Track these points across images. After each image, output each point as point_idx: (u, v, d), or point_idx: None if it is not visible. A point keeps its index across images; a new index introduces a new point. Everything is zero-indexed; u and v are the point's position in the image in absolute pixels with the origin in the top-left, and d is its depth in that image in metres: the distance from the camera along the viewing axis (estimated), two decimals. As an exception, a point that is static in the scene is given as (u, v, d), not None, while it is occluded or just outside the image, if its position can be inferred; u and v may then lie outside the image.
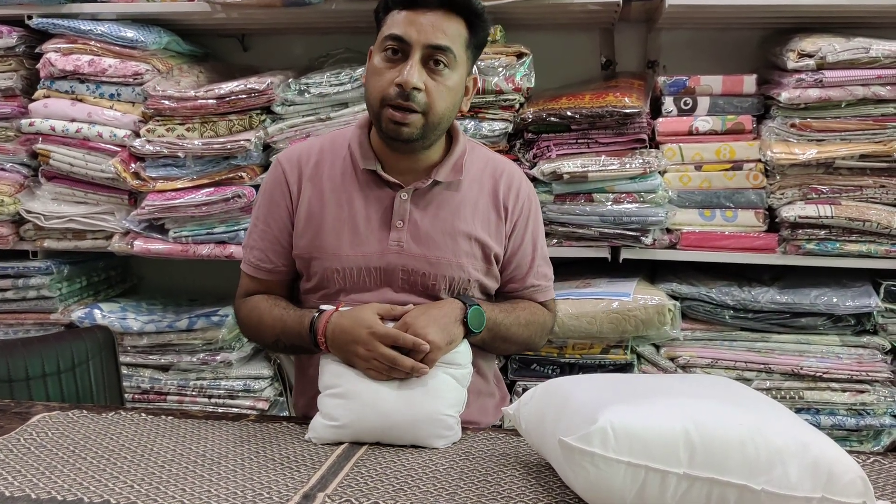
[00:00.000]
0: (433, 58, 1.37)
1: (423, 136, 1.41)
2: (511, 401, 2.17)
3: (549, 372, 2.21)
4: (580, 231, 2.18)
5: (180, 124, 2.24)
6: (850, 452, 1.09)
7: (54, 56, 2.28)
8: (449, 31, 1.37)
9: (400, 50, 1.37)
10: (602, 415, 1.03)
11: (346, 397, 1.34)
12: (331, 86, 2.21)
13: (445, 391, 1.35)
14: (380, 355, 1.31)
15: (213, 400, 2.35)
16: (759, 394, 1.24)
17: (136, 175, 2.28)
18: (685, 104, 2.21)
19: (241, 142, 2.20)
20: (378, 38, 1.42)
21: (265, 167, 2.30)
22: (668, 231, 2.20)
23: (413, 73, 1.35)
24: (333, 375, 1.36)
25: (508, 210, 1.53)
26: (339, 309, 1.40)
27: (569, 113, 2.14)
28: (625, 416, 1.03)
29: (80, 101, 2.30)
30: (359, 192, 1.48)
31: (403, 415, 1.31)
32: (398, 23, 1.37)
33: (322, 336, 1.37)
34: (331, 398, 1.35)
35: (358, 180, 1.49)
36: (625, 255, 2.20)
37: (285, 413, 2.39)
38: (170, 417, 1.46)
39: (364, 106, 2.17)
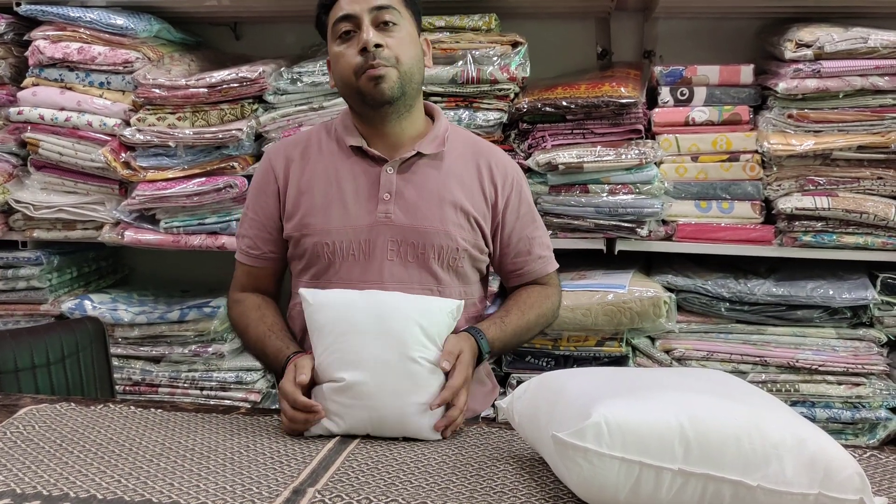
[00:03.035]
0: (382, 19, 1.46)
1: (403, 91, 1.47)
2: (504, 393, 2.17)
3: (544, 364, 2.20)
4: (575, 222, 2.17)
5: (171, 113, 2.22)
6: (846, 446, 1.08)
7: (43, 43, 2.25)
8: None
9: (352, 27, 1.46)
10: (596, 409, 1.02)
11: (335, 389, 1.32)
12: (323, 74, 2.19)
13: (433, 383, 1.33)
14: (285, 411, 1.34)
15: (204, 392, 2.33)
16: (754, 388, 1.23)
17: (127, 164, 2.25)
18: (682, 94, 2.19)
19: (233, 131, 2.18)
20: (329, 35, 1.51)
21: (257, 157, 2.29)
22: (664, 223, 2.19)
23: (371, 34, 1.44)
24: (320, 371, 1.35)
25: (497, 186, 1.56)
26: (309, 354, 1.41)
27: (564, 103, 2.12)
28: (619, 410, 1.02)
29: (70, 89, 2.27)
30: (346, 169, 1.52)
31: (392, 408, 1.31)
32: (340, 7, 1.47)
33: None
34: (321, 389, 1.34)
35: (344, 158, 1.53)
36: (620, 246, 2.19)
37: (277, 405, 2.37)
38: (159, 410, 1.45)
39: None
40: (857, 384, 2.11)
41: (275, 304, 1.60)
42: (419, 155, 1.52)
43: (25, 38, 2.30)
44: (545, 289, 1.63)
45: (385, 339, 1.32)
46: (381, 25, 1.45)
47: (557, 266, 1.67)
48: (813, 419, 2.04)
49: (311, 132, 1.63)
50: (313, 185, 1.52)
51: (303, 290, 1.40)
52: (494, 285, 2.01)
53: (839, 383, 2.11)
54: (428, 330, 1.34)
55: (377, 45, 1.43)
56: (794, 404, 2.10)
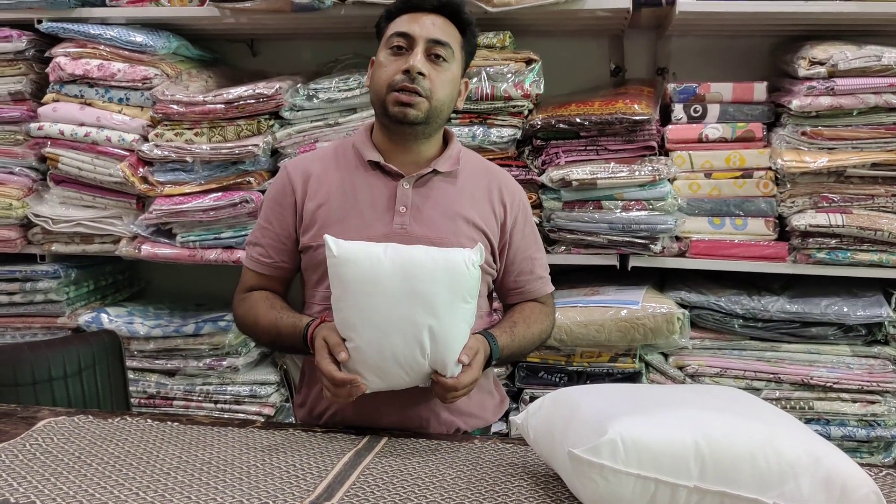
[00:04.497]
0: (434, 52, 1.50)
1: (426, 121, 1.51)
2: (517, 408, 2.17)
3: (557, 380, 2.20)
4: (589, 238, 2.17)
5: (188, 129, 2.24)
6: (862, 465, 1.08)
7: (64, 60, 2.28)
8: (447, 30, 1.53)
9: (405, 45, 1.50)
10: (612, 426, 1.02)
11: (361, 352, 1.35)
12: (339, 91, 2.21)
13: (459, 344, 1.37)
14: (327, 387, 1.38)
15: (219, 405, 2.34)
16: (769, 405, 1.23)
17: (145, 179, 2.28)
18: (695, 111, 2.20)
19: (250, 147, 2.20)
20: (382, 41, 1.55)
21: (273, 172, 2.30)
22: (678, 239, 2.19)
23: (418, 60, 1.48)
24: (347, 328, 1.36)
25: (507, 206, 1.60)
26: (324, 321, 1.45)
27: (578, 119, 2.13)
28: (635, 427, 1.02)
29: (89, 105, 2.30)
30: (363, 183, 1.55)
31: (423, 364, 1.36)
32: (403, 22, 1.51)
33: (312, 347, 1.45)
34: (351, 353, 1.36)
35: (362, 172, 1.56)
36: (633, 262, 2.19)
37: (291, 419, 2.38)
38: (175, 424, 1.46)
39: (371, 112, 2.19)
40: (872, 402, 2.09)
41: (281, 298, 1.62)
42: (434, 172, 1.55)
43: (46, 54, 2.33)
44: (544, 307, 1.67)
45: (413, 300, 1.33)
46: (432, 57, 1.49)
47: (553, 288, 1.70)
48: (828, 437, 2.02)
49: (328, 148, 1.67)
50: (331, 197, 1.55)
51: (327, 237, 1.38)
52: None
53: (854, 401, 2.10)
54: (456, 288, 1.36)
55: (420, 73, 1.47)
56: (808, 422, 2.09)
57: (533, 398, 2.13)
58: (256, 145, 2.20)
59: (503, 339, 1.51)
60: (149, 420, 1.47)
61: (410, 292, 1.33)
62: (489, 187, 1.60)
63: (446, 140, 1.63)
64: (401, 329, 1.34)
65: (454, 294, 1.35)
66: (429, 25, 1.50)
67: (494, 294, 1.71)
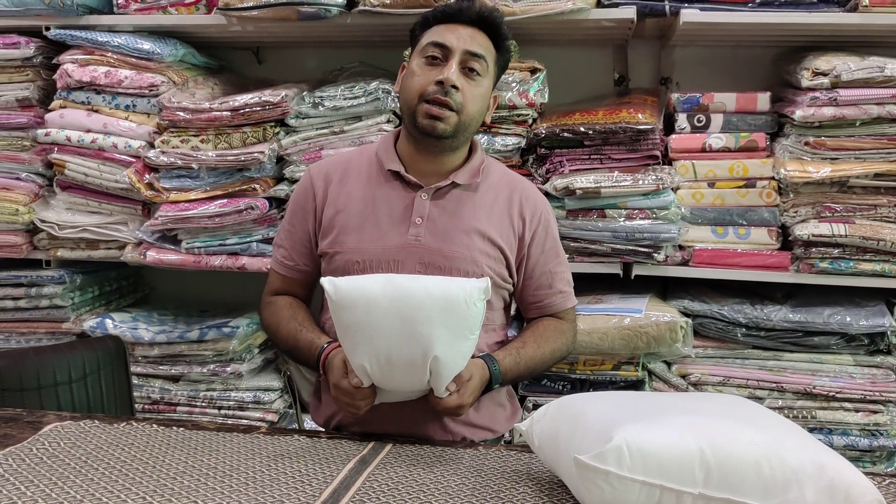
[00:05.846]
0: (469, 64, 1.50)
1: (454, 135, 1.51)
2: (522, 416, 2.17)
3: (560, 388, 2.20)
4: (592, 247, 2.18)
5: (195, 136, 2.26)
6: (865, 474, 1.08)
7: (71, 67, 2.30)
8: (483, 43, 1.53)
9: (440, 56, 1.50)
10: (617, 433, 1.03)
11: (371, 377, 1.37)
12: (345, 99, 2.22)
13: (454, 373, 1.38)
14: (341, 390, 1.41)
15: (222, 411, 2.35)
16: (773, 413, 1.23)
17: (150, 186, 2.29)
18: (698, 121, 2.21)
19: (255, 154, 2.21)
20: (416, 49, 1.56)
21: (278, 179, 2.32)
22: (681, 248, 2.20)
23: (453, 72, 1.47)
24: (353, 361, 1.37)
25: (526, 220, 1.60)
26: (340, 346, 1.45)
27: (582, 128, 2.14)
28: (640, 434, 1.03)
29: (96, 111, 2.32)
30: (382, 192, 1.56)
31: (422, 390, 1.40)
32: (439, 32, 1.51)
33: (322, 369, 1.49)
34: (361, 377, 1.38)
35: (382, 181, 1.57)
36: (637, 271, 2.19)
37: (294, 425, 2.39)
38: (181, 429, 1.46)
39: (379, 119, 2.21)
40: (875, 412, 2.09)
41: (305, 305, 1.64)
42: (454, 184, 1.55)
43: (54, 61, 2.34)
44: (561, 324, 1.66)
45: (412, 340, 1.31)
46: (466, 70, 1.50)
47: (576, 302, 1.70)
48: (830, 446, 2.01)
49: (352, 153, 1.68)
50: (350, 205, 1.56)
51: (324, 281, 1.36)
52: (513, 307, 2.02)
53: (856, 410, 2.10)
54: (455, 328, 1.33)
55: (454, 87, 1.47)
56: (811, 431, 2.09)
57: (536, 406, 2.14)
58: (262, 152, 2.21)
59: (507, 363, 1.50)
60: (154, 425, 1.47)
61: (409, 334, 1.31)
62: (510, 200, 1.59)
63: (471, 150, 1.62)
64: (402, 366, 1.34)
65: (453, 334, 1.33)
66: (466, 37, 1.49)
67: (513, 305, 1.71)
